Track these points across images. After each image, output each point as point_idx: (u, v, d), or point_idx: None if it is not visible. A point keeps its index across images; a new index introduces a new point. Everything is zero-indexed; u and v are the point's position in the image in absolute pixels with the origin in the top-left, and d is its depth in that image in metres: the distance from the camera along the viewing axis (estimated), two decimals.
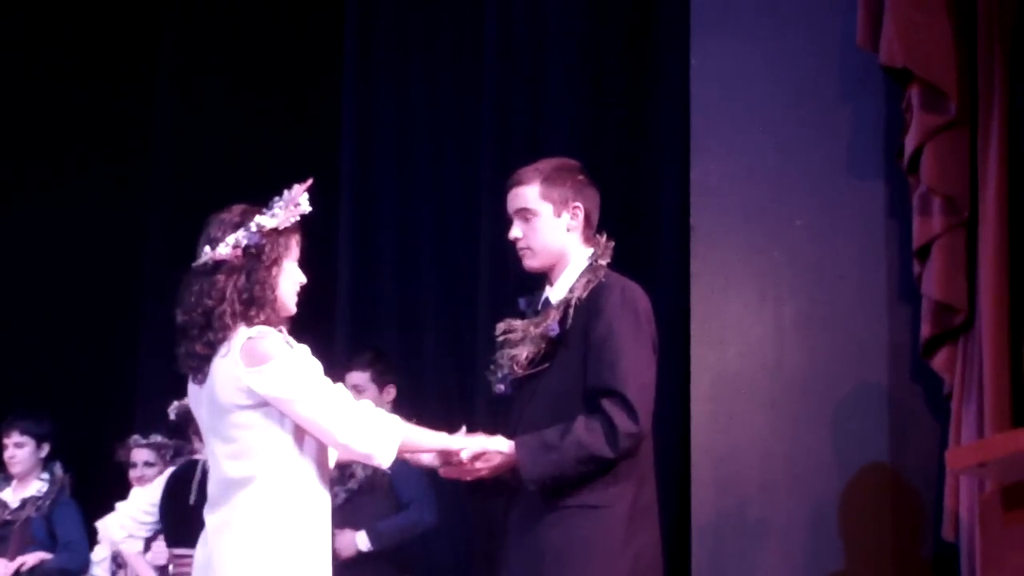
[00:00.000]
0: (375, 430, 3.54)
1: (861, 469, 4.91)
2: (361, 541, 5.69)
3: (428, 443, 3.76)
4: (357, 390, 5.95)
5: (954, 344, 4.69)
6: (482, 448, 3.77)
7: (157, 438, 6.79)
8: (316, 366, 3.55)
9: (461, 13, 7.08)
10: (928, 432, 4.87)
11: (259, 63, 7.96)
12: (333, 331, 6.93)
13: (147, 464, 6.74)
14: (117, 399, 7.88)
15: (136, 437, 6.80)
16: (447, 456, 3.82)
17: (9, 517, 6.88)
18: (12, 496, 6.95)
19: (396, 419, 3.63)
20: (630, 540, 3.80)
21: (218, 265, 3.55)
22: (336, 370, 6.38)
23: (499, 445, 3.79)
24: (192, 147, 8.11)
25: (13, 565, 6.68)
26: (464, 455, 3.77)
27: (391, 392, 5.98)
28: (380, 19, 7.36)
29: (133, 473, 6.75)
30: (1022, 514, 3.74)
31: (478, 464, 3.77)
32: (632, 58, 6.38)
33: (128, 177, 8.17)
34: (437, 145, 7.17)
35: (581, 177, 4.01)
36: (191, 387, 3.65)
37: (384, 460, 3.57)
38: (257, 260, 3.56)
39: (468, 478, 3.84)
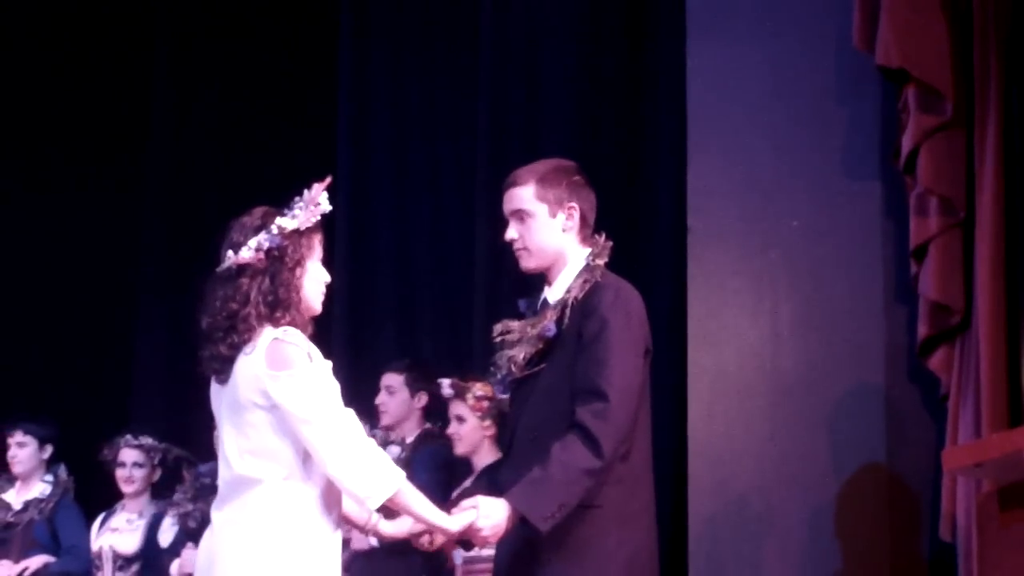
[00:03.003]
0: (371, 471, 3.49)
1: (858, 470, 4.91)
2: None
3: (420, 510, 3.63)
4: (389, 391, 5.98)
5: (951, 344, 4.69)
6: (470, 523, 3.68)
7: (147, 440, 6.78)
8: (334, 387, 3.52)
9: (457, 13, 7.08)
10: (925, 432, 4.88)
11: (255, 63, 7.96)
12: (330, 330, 6.92)
13: (136, 465, 6.72)
14: (113, 401, 7.87)
15: (127, 437, 6.78)
16: (434, 530, 3.75)
17: (12, 519, 6.88)
18: (15, 498, 6.95)
19: (398, 471, 3.57)
20: (624, 541, 3.78)
21: (241, 269, 3.55)
22: (333, 369, 6.43)
23: (490, 510, 3.69)
24: (189, 147, 8.11)
25: (17, 568, 6.68)
26: (454, 528, 3.68)
27: (422, 399, 5.99)
28: (375, 19, 7.36)
29: (121, 473, 6.73)
30: (1018, 514, 3.75)
31: (484, 534, 3.70)
32: (629, 59, 6.38)
33: (125, 178, 8.18)
34: (433, 145, 7.17)
35: (577, 178, 3.99)
36: (213, 385, 3.64)
37: (371, 503, 3.52)
38: (280, 262, 3.56)
39: (481, 546, 3.80)
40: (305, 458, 3.51)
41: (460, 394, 5.64)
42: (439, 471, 5.70)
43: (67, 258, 8.04)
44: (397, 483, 3.53)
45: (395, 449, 5.93)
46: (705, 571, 5.02)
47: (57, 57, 8.17)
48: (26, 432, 6.94)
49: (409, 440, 5.95)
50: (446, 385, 5.69)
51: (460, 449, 5.67)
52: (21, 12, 8.13)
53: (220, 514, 3.57)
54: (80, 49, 8.19)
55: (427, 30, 7.22)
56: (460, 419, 5.64)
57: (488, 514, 3.68)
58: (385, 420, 5.99)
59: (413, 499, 3.61)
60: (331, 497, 3.56)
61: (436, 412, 6.04)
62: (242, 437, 3.53)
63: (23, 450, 6.94)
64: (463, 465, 5.73)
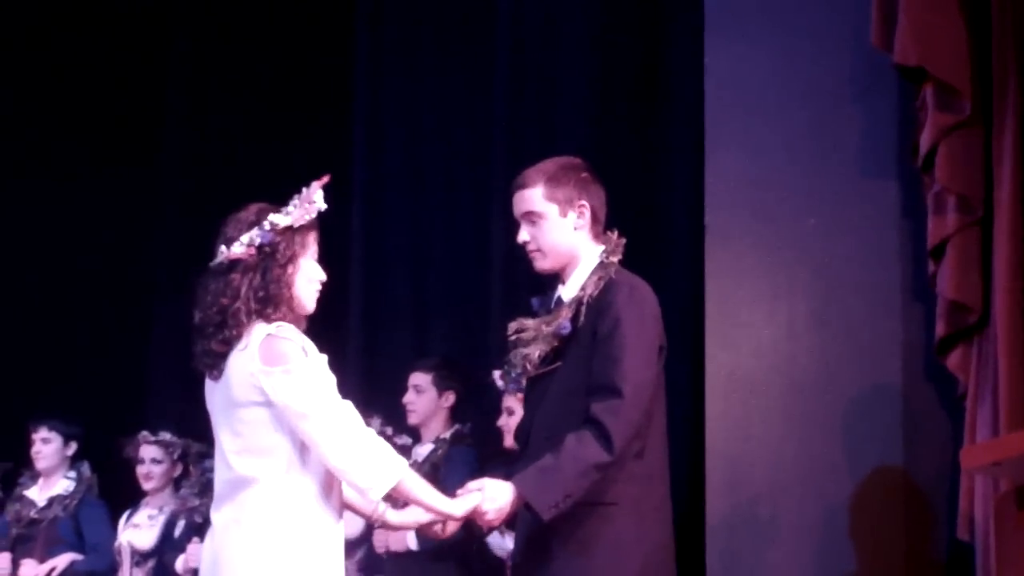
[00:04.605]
0: (372, 462, 3.49)
1: (874, 469, 4.90)
2: (411, 539, 5.67)
3: (423, 497, 3.64)
4: (417, 390, 5.99)
5: (968, 343, 4.68)
6: (475, 506, 3.69)
7: (166, 436, 6.81)
8: (330, 380, 3.52)
9: (472, 12, 7.08)
10: (942, 431, 4.86)
11: (269, 63, 7.97)
12: (346, 331, 6.94)
13: (154, 461, 6.76)
14: (127, 398, 7.89)
15: (145, 433, 6.82)
16: (440, 516, 3.75)
17: (35, 516, 6.91)
18: (39, 495, 6.98)
19: (401, 460, 3.57)
20: (640, 539, 3.80)
21: (233, 264, 3.55)
22: (348, 370, 6.44)
23: (496, 493, 3.71)
24: (203, 148, 8.13)
25: (45, 568, 6.71)
26: (459, 512, 3.70)
27: (450, 398, 5.99)
28: (391, 19, 7.37)
29: (140, 470, 6.79)
30: None
31: (489, 517, 3.71)
32: (645, 57, 6.38)
33: (139, 178, 8.19)
34: (448, 145, 7.17)
35: (585, 174, 4.00)
36: (207, 383, 3.64)
37: (374, 494, 3.52)
38: (271, 258, 3.55)
39: (484, 528, 3.82)
40: (302, 452, 3.51)
41: None
42: (472, 474, 5.70)
43: (83, 258, 8.06)
44: (399, 473, 3.53)
45: (426, 448, 5.93)
46: (721, 569, 5.01)
47: (71, 58, 8.18)
48: (51, 429, 6.98)
49: (439, 441, 5.94)
50: (498, 376, 5.69)
51: (508, 441, 5.67)
52: (33, 11, 8.15)
53: (219, 515, 3.57)
54: (95, 50, 8.20)
55: (443, 29, 7.22)
56: (510, 412, 5.65)
57: (493, 496, 3.70)
58: (412, 419, 5.99)
59: (416, 487, 3.61)
60: (330, 489, 3.56)
61: (463, 411, 6.05)
62: (238, 437, 3.53)
63: (48, 446, 6.98)
64: (496, 464, 5.72)
